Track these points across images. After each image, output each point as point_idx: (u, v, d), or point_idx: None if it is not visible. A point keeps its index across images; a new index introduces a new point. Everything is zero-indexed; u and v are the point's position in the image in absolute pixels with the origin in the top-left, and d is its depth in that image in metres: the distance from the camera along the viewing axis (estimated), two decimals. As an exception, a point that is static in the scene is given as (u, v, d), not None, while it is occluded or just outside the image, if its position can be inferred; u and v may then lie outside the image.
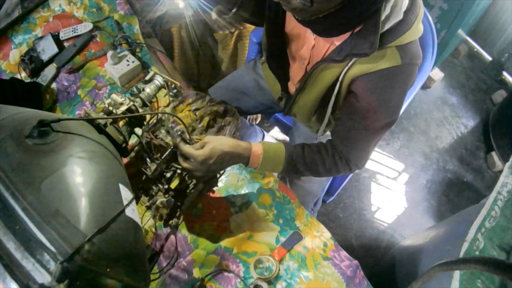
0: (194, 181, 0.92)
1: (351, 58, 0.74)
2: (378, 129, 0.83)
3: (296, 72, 0.96)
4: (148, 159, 0.89)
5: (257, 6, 0.90)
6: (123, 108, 0.81)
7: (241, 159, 0.83)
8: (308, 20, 0.72)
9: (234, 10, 0.85)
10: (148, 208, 0.87)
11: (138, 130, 0.88)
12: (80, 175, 0.49)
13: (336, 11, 0.66)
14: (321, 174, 0.90)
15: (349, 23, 0.70)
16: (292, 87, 1.04)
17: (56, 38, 1.20)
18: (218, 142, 0.80)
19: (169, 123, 0.93)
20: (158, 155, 0.88)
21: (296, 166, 0.87)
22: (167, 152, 0.88)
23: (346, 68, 0.76)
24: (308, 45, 0.86)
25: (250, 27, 1.51)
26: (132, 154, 0.89)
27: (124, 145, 0.79)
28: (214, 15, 0.80)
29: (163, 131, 0.92)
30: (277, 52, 0.96)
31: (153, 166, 0.88)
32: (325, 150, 0.88)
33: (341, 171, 0.89)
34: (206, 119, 1.04)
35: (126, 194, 0.55)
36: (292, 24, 0.88)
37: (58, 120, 0.54)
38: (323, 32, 0.77)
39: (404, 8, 0.70)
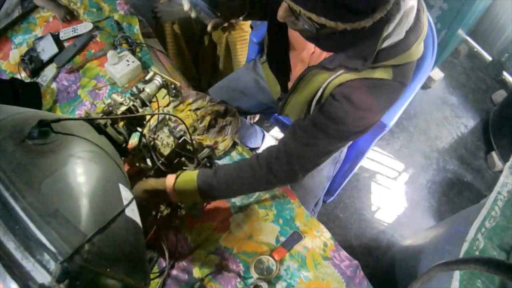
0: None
1: (341, 69, 0.73)
2: (338, 137, 0.78)
3: (297, 74, 0.96)
4: (149, 159, 0.90)
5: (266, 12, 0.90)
6: (123, 108, 0.81)
7: (160, 193, 0.83)
8: (311, 36, 0.70)
9: (241, 19, 0.86)
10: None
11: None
12: (80, 175, 0.49)
13: (340, 31, 0.63)
14: (257, 189, 0.85)
15: (351, 42, 0.68)
16: None
17: (56, 38, 1.20)
18: (139, 183, 0.83)
19: (171, 123, 0.94)
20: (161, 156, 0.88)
21: (219, 190, 0.82)
22: (169, 152, 0.88)
23: (334, 76, 0.75)
24: (308, 50, 0.86)
25: (248, 28, 1.51)
26: (135, 155, 0.89)
27: (124, 145, 0.79)
28: (209, 28, 0.80)
29: (166, 130, 0.92)
30: (278, 53, 0.96)
31: (155, 166, 0.88)
32: (257, 164, 0.82)
33: (281, 178, 0.82)
34: (208, 118, 1.04)
35: (126, 194, 0.55)
36: None
37: (58, 120, 0.54)
38: (326, 49, 0.76)
39: (407, 27, 0.67)
